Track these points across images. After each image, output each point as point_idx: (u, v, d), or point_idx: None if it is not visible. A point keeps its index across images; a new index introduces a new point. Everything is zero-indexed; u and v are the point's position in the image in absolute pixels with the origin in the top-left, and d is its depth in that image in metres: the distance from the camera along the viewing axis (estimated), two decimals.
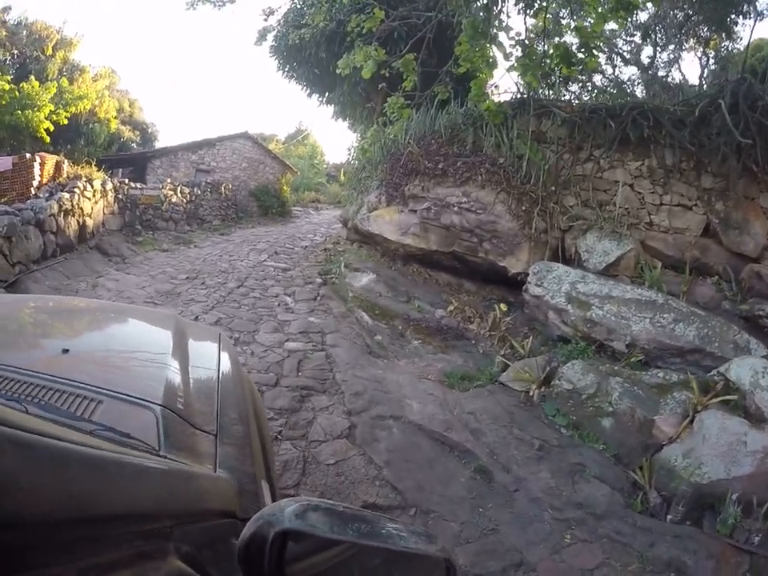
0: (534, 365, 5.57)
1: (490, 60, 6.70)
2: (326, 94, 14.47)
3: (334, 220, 19.46)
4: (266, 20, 8.21)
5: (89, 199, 9.92)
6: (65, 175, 10.14)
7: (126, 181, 12.57)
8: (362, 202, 9.16)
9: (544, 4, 7.58)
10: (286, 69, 13.86)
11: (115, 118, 20.27)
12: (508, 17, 7.30)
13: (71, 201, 9.07)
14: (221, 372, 1.75)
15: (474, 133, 7.62)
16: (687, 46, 16.26)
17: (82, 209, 9.52)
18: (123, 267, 9.14)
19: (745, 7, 13.05)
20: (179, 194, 14.45)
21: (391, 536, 0.75)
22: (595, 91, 15.06)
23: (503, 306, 7.06)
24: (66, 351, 1.44)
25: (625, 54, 16.43)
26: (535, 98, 7.63)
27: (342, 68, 6.76)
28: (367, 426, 4.26)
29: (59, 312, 2.14)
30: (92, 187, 10.08)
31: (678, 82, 15.07)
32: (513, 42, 6.88)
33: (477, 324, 7.20)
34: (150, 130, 26.79)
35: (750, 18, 12.73)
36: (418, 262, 8.65)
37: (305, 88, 14.47)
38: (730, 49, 15.08)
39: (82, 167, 10.71)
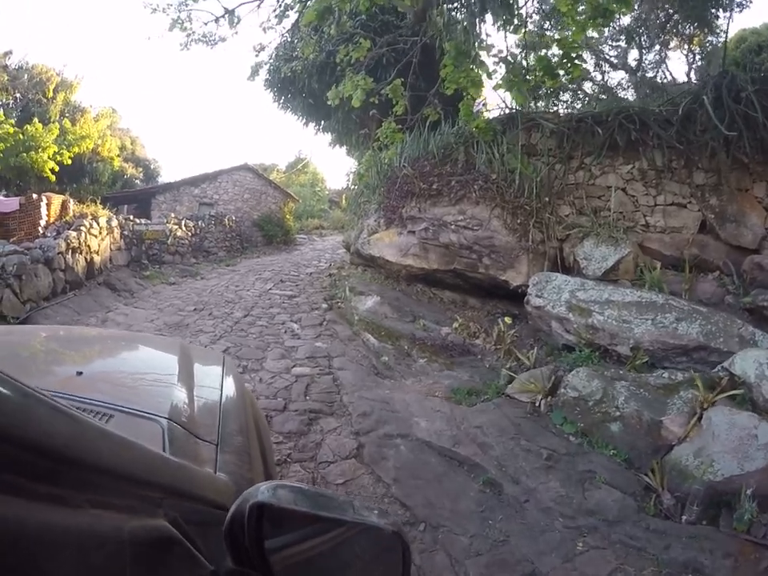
0: (540, 375, 5.55)
1: (476, 80, 6.83)
2: (322, 122, 14.72)
3: (338, 246, 19.61)
4: (257, 55, 8.43)
5: (95, 236, 10.15)
6: (71, 214, 10.38)
7: (131, 217, 12.84)
8: (362, 226, 9.29)
9: (522, 18, 7.73)
10: (281, 101, 14.15)
11: (118, 156, 20.73)
12: (488, 35, 7.38)
13: (78, 239, 9.30)
14: (223, 389, 1.86)
15: (465, 151, 7.76)
16: (672, 45, 16.46)
17: (89, 246, 9.74)
18: (132, 301, 9.30)
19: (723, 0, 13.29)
20: (184, 228, 14.70)
21: (346, 508, 0.85)
22: (587, 99, 15.28)
23: (508, 319, 7.11)
24: (79, 373, 1.51)
25: (612, 59, 16.65)
26: (523, 111, 7.76)
27: (332, 99, 6.93)
28: (375, 446, 4.30)
29: (72, 339, 2.26)
30: (98, 224, 10.33)
31: (665, 81, 15.25)
32: (496, 60, 7.03)
33: (482, 339, 7.24)
34: (152, 166, 27.39)
35: (729, 11, 13.01)
36: (422, 282, 8.73)
37: (300, 118, 14.74)
38: (714, 43, 15.22)
39: (87, 205, 10.96)
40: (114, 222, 11.44)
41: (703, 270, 6.88)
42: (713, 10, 13.60)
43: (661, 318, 5.65)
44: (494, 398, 5.51)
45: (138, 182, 25.07)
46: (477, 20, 6.84)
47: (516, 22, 7.46)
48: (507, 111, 8.25)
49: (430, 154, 8.20)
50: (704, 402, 4.44)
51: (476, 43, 6.79)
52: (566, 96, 14.91)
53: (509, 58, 7.10)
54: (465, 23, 6.67)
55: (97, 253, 10.15)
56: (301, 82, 12.06)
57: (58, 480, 0.50)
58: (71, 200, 10.55)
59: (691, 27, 15.00)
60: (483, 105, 9.29)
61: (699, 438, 4.21)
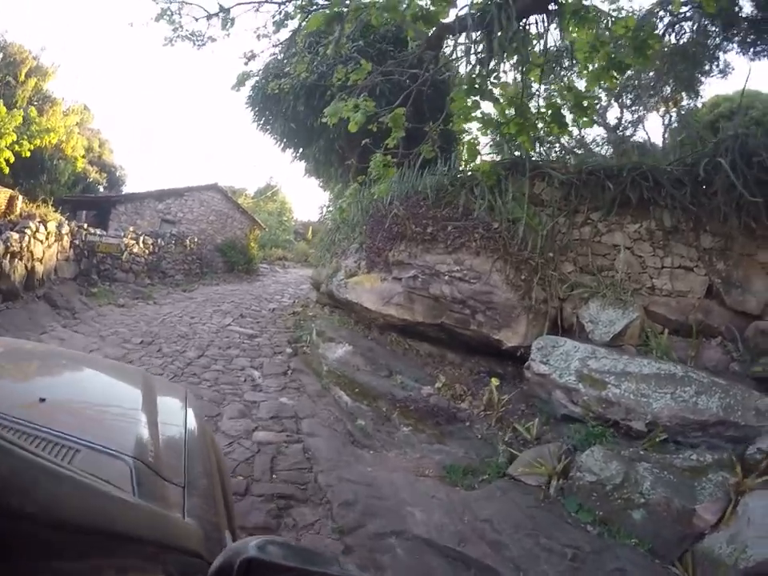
0: (547, 454, 4.88)
1: (486, 118, 6.23)
2: (300, 149, 14.00)
3: (302, 279, 18.86)
4: (246, 64, 7.63)
5: (41, 242, 8.97)
6: (17, 212, 9.03)
7: (85, 225, 11.61)
8: (338, 266, 8.44)
9: (537, 59, 7.24)
10: (261, 121, 13.39)
11: (83, 156, 19.20)
12: (504, 72, 6.90)
13: (20, 242, 8.11)
14: (187, 427, 1.84)
15: (465, 195, 7.08)
16: (650, 105, 16.77)
17: (32, 252, 8.56)
18: (72, 323, 8.10)
19: (708, 66, 13.88)
20: (141, 244, 13.55)
21: (332, 563, 0.94)
22: (562, 152, 15.14)
23: (495, 381, 6.36)
24: (42, 400, 1.47)
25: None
26: (529, 158, 7.20)
27: (330, 116, 6.16)
28: (366, 549, 3.37)
29: (33, 358, 2.20)
30: (46, 229, 9.13)
31: (643, 140, 15.33)
32: (505, 101, 6.47)
33: (469, 402, 6.44)
34: (117, 174, 25.90)
35: (712, 76, 13.73)
36: (397, 332, 7.91)
37: (279, 142, 13.97)
38: (690, 106, 15.77)
39: (38, 206, 9.64)
40: (65, 229, 10.26)
41: (706, 335, 6.39)
42: (698, 75, 14.06)
43: (680, 391, 5.08)
44: (494, 479, 4.78)
45: (101, 188, 23.63)
46: (493, 55, 6.23)
47: (531, 61, 6.95)
48: (511, 156, 7.66)
49: (421, 195, 7.52)
50: (741, 486, 4.02)
51: (489, 80, 6.18)
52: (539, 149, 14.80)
53: (521, 100, 6.56)
54: (482, 56, 6.05)
55: (40, 261, 8.95)
56: (286, 103, 11.33)
57: (71, 551, 0.55)
58: (20, 197, 9.23)
59: (675, 89, 15.34)
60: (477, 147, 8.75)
61: (734, 524, 3.84)
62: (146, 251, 13.74)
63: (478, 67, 6.26)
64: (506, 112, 6.39)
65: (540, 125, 6.76)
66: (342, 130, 10.57)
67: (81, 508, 0.55)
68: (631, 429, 5.09)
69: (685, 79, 14.01)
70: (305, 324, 9.81)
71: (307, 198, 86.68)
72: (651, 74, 14.47)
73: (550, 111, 6.68)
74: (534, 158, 7.43)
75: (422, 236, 7.03)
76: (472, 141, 6.37)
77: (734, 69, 13.68)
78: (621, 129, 16.42)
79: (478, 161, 6.82)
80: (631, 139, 15.76)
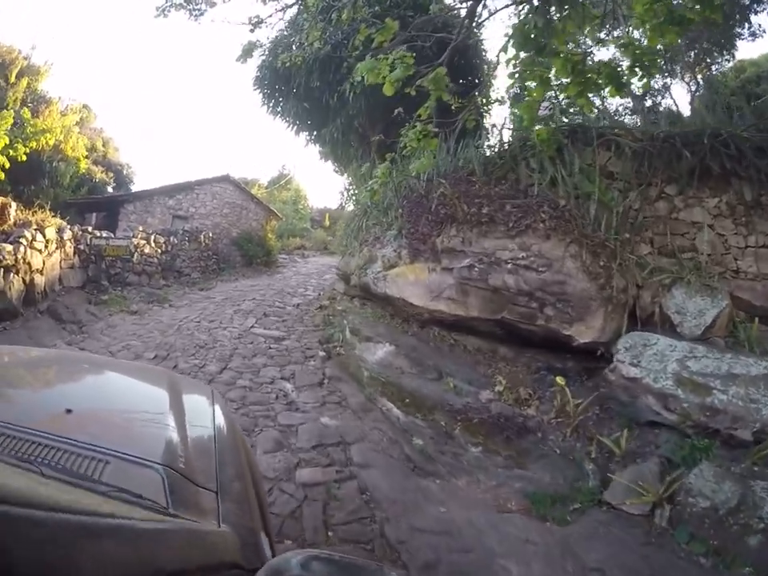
0: (647, 474, 4.12)
1: (543, 76, 5.29)
2: (315, 132, 13.09)
3: (324, 269, 18.04)
4: (252, 31, 6.71)
5: (39, 251, 8.21)
6: (11, 221, 8.26)
7: (90, 228, 10.84)
8: (372, 256, 7.55)
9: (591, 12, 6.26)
10: (271, 104, 12.50)
11: (86, 157, 18.35)
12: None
13: (15, 254, 7.37)
14: (216, 429, 1.76)
15: (521, 167, 6.16)
16: (676, 71, 15.79)
17: (29, 263, 7.81)
18: (77, 339, 7.32)
19: (739, 28, 13.42)
20: (153, 244, 12.78)
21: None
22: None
23: (560, 380, 5.49)
24: (69, 411, 1.44)
25: None
26: (596, 124, 6.24)
27: (367, 72, 5.26)
28: None
29: (57, 366, 2.12)
30: (44, 236, 8.37)
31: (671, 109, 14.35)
32: (563, 59, 5.51)
33: (536, 408, 5.56)
34: (125, 172, 25.03)
35: (742, 39, 13.30)
36: (441, 326, 7.03)
37: (291, 125, 13.09)
38: (717, 71, 15.30)
39: (34, 212, 8.88)
40: (67, 234, 9.51)
41: None
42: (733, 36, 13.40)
43: None
44: (588, 507, 3.99)
45: (110, 188, 22.91)
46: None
47: (585, 14, 5.97)
48: (568, 123, 6.70)
49: (464, 170, 6.61)
50: None
51: (546, 32, 5.21)
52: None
53: (577, 57, 5.61)
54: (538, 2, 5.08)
55: (40, 272, 8.21)
56: (297, 80, 10.44)
57: None
58: (13, 204, 8.47)
59: (695, 54, 14.33)
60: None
61: None
62: (159, 251, 12.98)
63: (532, 17, 5.31)
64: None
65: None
66: (363, 106, 9.71)
67: (122, 563, 0.55)
68: (733, 438, 4.28)
69: (718, 41, 13.07)
70: (335, 320, 8.99)
71: (322, 184, 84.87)
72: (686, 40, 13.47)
73: (605, 71, 5.75)
74: (596, 126, 6.46)
75: (476, 218, 6.09)
76: (530, 103, 5.43)
77: (765, 31, 13.05)
78: (647, 97, 15.36)
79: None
80: (660, 108, 14.76)
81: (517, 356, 6.58)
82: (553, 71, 5.38)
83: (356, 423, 4.94)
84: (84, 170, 18.32)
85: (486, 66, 10.51)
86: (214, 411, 1.94)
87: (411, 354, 6.59)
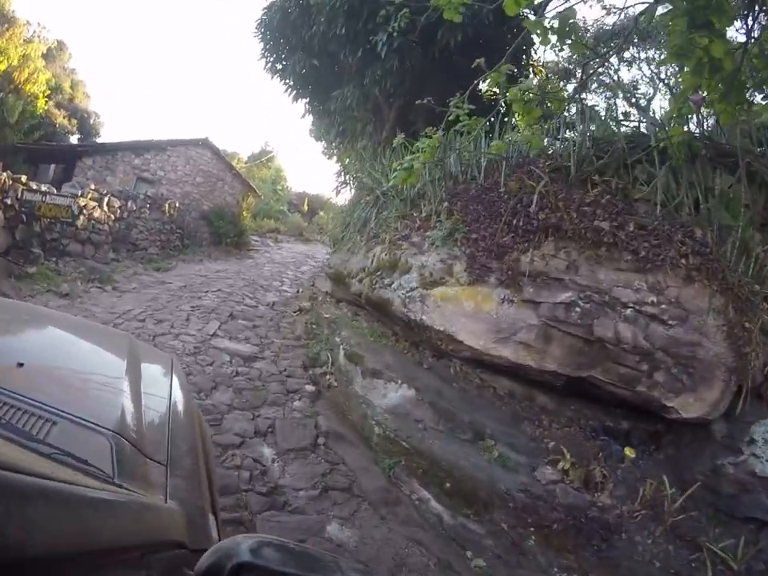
0: None
1: (707, 60, 3.46)
2: (318, 99, 10.98)
3: (301, 258, 16.14)
4: None
5: None
6: None
7: (23, 179, 8.51)
8: (400, 263, 5.42)
9: None
10: (272, 57, 10.32)
11: (47, 96, 15.81)
12: None
13: None
14: (172, 401, 1.71)
15: (629, 172, 4.34)
16: None
17: None
18: None
19: None
20: (105, 207, 10.52)
21: (333, 570, 0.80)
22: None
23: (629, 452, 4.09)
24: (20, 365, 1.38)
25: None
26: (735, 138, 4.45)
27: None
28: None
29: (12, 317, 2.00)
30: None
31: None
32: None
33: (609, 493, 3.85)
34: (92, 121, 22.36)
35: None
36: (464, 359, 5.18)
37: (291, 89, 10.91)
38: None
39: None
40: None
41: None
42: None
43: None
44: None
45: (73, 138, 20.32)
46: None
47: None
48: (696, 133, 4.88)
49: (552, 161, 4.78)
50: None
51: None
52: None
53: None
54: None
55: None
56: (315, 27, 8.30)
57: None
58: None
59: None
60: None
61: None
62: (112, 216, 10.71)
63: None
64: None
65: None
66: (395, 66, 7.77)
67: (57, 532, 0.49)
68: None
69: None
70: (320, 331, 7.13)
71: (304, 167, 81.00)
72: None
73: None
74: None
75: (591, 235, 4.18)
76: (689, 79, 3.55)
77: None
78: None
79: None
80: None
81: (559, 407, 4.84)
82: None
83: (380, 533, 3.07)
84: (42, 111, 15.76)
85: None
86: (171, 381, 1.86)
87: (437, 402, 4.73)
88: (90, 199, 10.05)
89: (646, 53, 9.93)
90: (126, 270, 9.49)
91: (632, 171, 4.54)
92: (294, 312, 8.47)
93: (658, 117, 5.70)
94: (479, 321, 4.52)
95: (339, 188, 11.21)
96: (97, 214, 10.19)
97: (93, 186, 10.50)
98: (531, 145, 4.69)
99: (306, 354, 6.32)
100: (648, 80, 10.56)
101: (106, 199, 10.54)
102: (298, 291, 10.33)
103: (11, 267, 7.77)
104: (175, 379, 1.92)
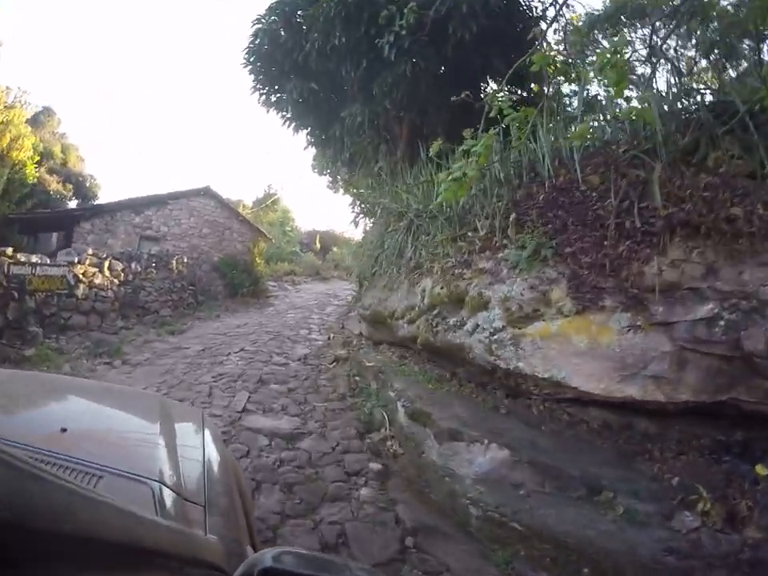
0: None
1: None
2: (320, 127, 10.10)
3: (323, 299, 15.21)
4: None
5: None
6: None
7: (9, 251, 7.60)
8: (477, 298, 4.25)
9: None
10: (265, 89, 9.48)
11: (36, 163, 15.12)
12: None
13: None
14: (206, 448, 1.78)
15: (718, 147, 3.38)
16: None
17: None
18: None
19: None
20: (107, 272, 9.62)
21: (343, 570, 0.84)
22: None
23: (761, 469, 3.26)
24: (64, 430, 1.45)
25: None
26: None
27: None
28: None
29: (53, 390, 2.10)
30: None
31: None
32: None
33: (755, 526, 2.96)
34: (87, 184, 21.77)
35: None
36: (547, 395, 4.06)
37: (288, 122, 10.06)
38: None
39: None
40: None
41: None
42: None
43: None
44: None
45: (71, 204, 19.74)
46: None
47: None
48: None
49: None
50: None
51: None
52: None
53: None
54: None
55: None
56: (309, 44, 7.41)
57: (101, 565, 0.60)
58: None
59: None
60: None
61: None
62: (116, 281, 9.80)
63: None
64: None
65: None
66: (408, 71, 6.85)
67: (108, 526, 0.60)
68: None
69: None
70: (365, 383, 6.17)
71: (310, 205, 80.00)
72: None
73: None
74: None
75: (725, 225, 3.14)
76: None
77: None
78: None
79: None
80: None
81: (663, 431, 3.91)
82: None
83: None
84: (33, 178, 15.06)
85: None
86: (203, 433, 1.91)
87: (535, 458, 3.66)
88: (89, 265, 9.16)
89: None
90: (137, 339, 8.49)
91: (722, 144, 3.52)
92: (331, 364, 7.42)
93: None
94: (598, 359, 3.42)
95: (357, 219, 10.21)
96: (98, 280, 9.27)
97: (91, 251, 9.61)
98: (645, 120, 3.63)
99: (357, 416, 5.24)
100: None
101: (106, 263, 9.65)
102: (328, 338, 9.29)
103: (6, 351, 6.85)
104: (207, 431, 1.96)
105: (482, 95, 4.32)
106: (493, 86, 8.04)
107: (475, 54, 7.26)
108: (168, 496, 1.26)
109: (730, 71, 7.12)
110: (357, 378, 6.51)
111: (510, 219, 4.06)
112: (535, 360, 3.64)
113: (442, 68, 7.44)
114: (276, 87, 9.43)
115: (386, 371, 6.03)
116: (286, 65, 8.30)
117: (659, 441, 3.82)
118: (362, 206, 9.85)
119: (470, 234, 4.62)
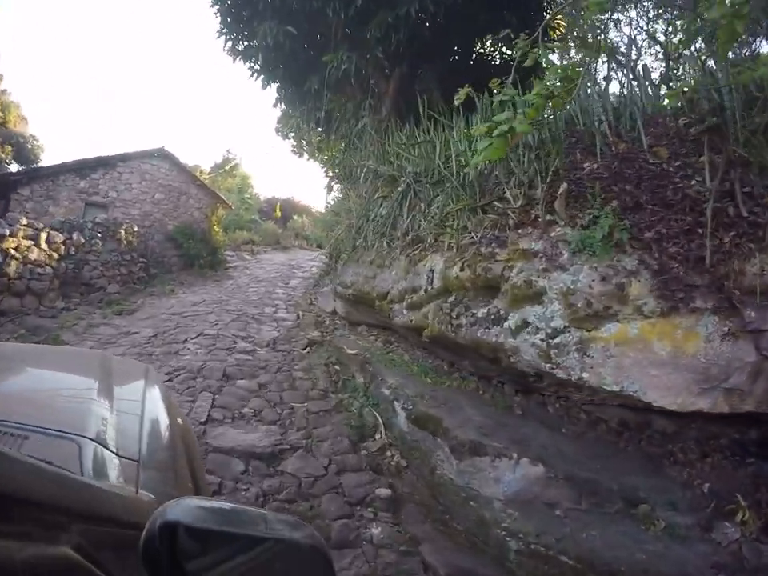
0: None
1: None
2: (290, 86, 9.00)
3: (286, 270, 14.42)
4: None
5: None
6: None
7: None
8: (523, 288, 3.29)
9: None
10: (233, 34, 8.26)
11: None
12: None
13: None
14: (146, 402, 1.74)
15: None
16: None
17: None
18: None
19: None
20: (44, 246, 8.35)
21: (257, 522, 0.76)
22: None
23: None
24: None
25: None
26: None
27: None
28: None
29: None
30: None
31: None
32: None
33: None
34: (29, 146, 19.83)
35: None
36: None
37: (257, 73, 8.86)
38: None
39: None
40: None
41: None
42: None
43: None
44: None
45: (10, 167, 17.92)
46: None
47: None
48: None
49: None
50: None
51: None
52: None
53: None
54: None
55: None
56: None
57: None
58: None
59: None
60: None
61: None
62: (55, 255, 8.55)
63: None
64: None
65: None
66: (415, 10, 5.91)
67: (19, 484, 0.56)
68: None
69: None
70: (348, 374, 5.43)
71: (270, 172, 76.39)
72: None
73: None
74: None
75: None
76: None
77: None
78: None
79: None
80: None
81: (681, 429, 3.65)
82: None
83: None
84: None
85: None
86: (146, 388, 1.87)
87: (569, 471, 3.16)
88: (22, 238, 7.89)
89: None
90: (79, 322, 7.35)
91: None
92: (304, 350, 6.54)
93: None
94: (680, 370, 2.80)
95: (331, 184, 9.18)
96: (34, 255, 8.03)
97: (25, 221, 8.28)
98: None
99: (346, 420, 4.46)
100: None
101: (44, 235, 8.37)
102: (298, 317, 8.37)
103: None
104: (152, 387, 1.92)
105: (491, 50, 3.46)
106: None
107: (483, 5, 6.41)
108: (96, 452, 1.23)
109: None
110: (337, 368, 5.72)
111: (561, 190, 3.21)
112: (606, 370, 2.90)
113: (453, 13, 6.47)
114: (246, 33, 8.24)
115: (373, 362, 5.24)
116: (261, 3, 7.10)
117: (679, 441, 3.56)
118: (338, 169, 8.84)
119: (497, 203, 3.76)
